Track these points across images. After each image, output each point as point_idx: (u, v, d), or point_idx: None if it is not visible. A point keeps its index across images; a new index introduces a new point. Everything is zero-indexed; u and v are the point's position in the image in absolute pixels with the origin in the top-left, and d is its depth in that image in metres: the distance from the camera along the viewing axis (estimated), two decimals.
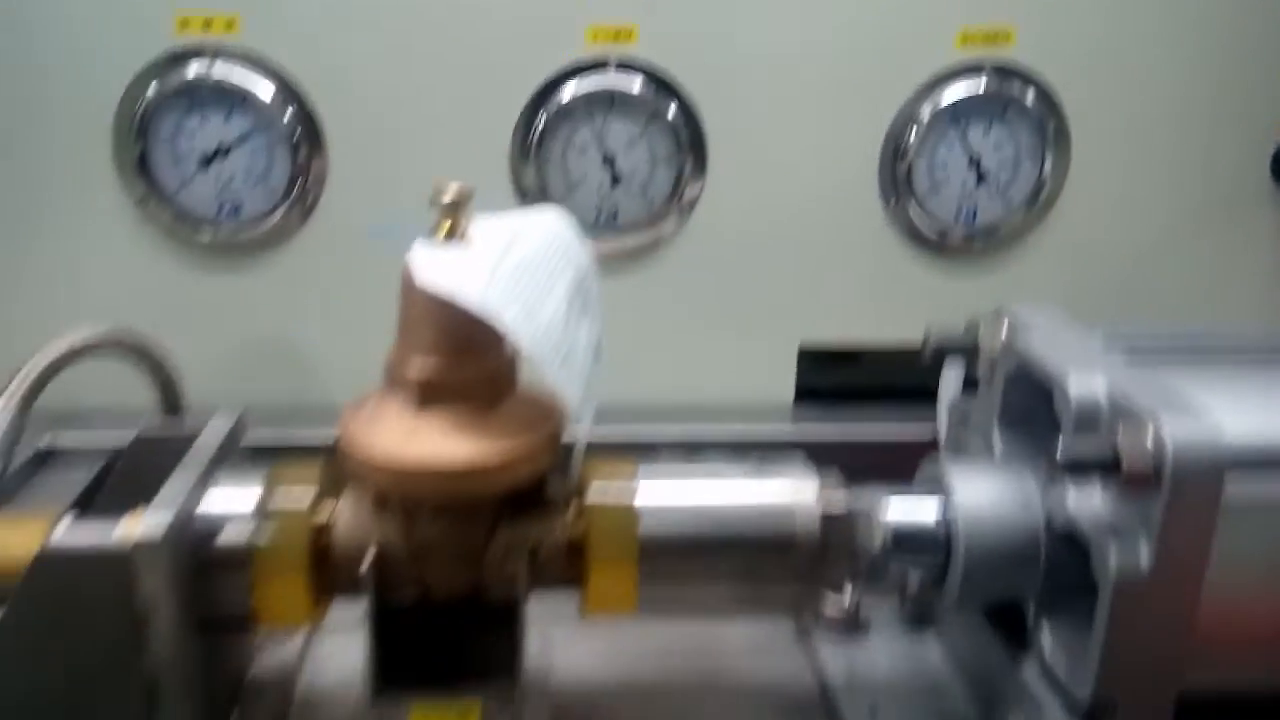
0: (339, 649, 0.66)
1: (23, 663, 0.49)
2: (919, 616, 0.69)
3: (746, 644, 0.68)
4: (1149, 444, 0.48)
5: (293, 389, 1.03)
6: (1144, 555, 0.49)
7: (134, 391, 0.85)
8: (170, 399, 0.78)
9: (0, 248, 0.98)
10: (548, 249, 0.55)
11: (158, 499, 0.50)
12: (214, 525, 0.52)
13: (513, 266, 0.52)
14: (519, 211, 0.58)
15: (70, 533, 0.50)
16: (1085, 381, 0.53)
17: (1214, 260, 1.06)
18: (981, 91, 0.99)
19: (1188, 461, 0.48)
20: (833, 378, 1.07)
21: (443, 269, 0.51)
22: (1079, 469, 0.49)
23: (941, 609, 0.67)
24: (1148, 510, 0.49)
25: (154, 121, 0.96)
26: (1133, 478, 0.48)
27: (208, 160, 0.98)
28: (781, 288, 1.04)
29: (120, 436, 0.94)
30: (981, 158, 1.01)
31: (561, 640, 0.66)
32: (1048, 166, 1.01)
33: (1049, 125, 1.00)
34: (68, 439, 0.93)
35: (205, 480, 0.54)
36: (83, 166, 0.97)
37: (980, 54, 0.98)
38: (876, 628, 0.68)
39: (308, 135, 0.98)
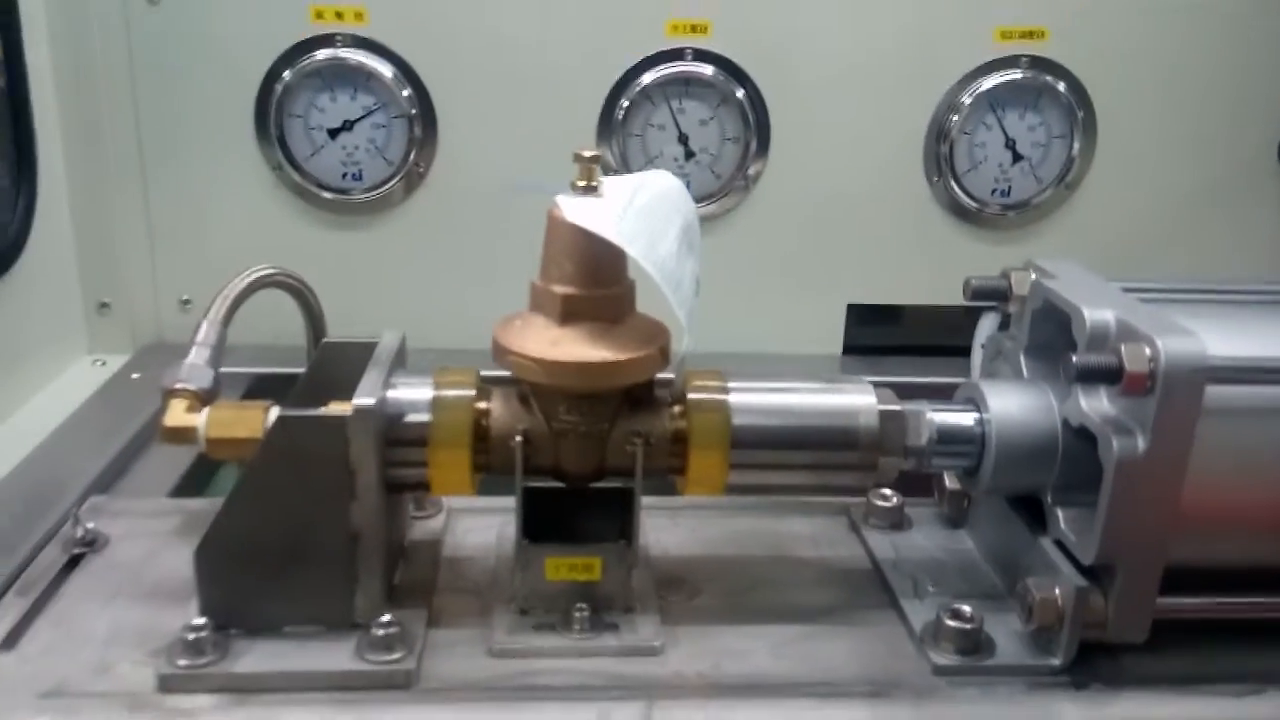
0: (472, 526, 0.80)
1: (259, 504, 0.64)
2: (954, 519, 0.82)
3: (807, 533, 0.81)
4: (1147, 354, 0.61)
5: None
6: (1140, 444, 0.62)
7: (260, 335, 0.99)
8: (318, 328, 0.93)
9: (158, 205, 1.14)
10: (663, 199, 0.68)
11: (363, 385, 0.64)
12: (400, 410, 0.66)
13: (638, 209, 0.65)
14: (636, 174, 0.72)
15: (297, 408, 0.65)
16: (1098, 310, 0.65)
17: (1224, 235, 1.18)
18: (1017, 80, 1.11)
19: (1177, 369, 0.60)
20: (877, 335, 1.20)
21: (585, 210, 0.64)
22: (1090, 375, 0.62)
23: (975, 508, 0.80)
24: (1144, 409, 0.61)
25: (290, 99, 1.11)
26: (1132, 380, 0.60)
27: (334, 133, 1.13)
28: (834, 254, 1.18)
29: (250, 370, 1.11)
30: (1016, 140, 1.13)
31: (654, 529, 0.80)
32: (1076, 149, 1.13)
33: (1079, 113, 1.13)
34: None
35: (389, 376, 0.68)
36: (228, 137, 1.12)
37: (1017, 49, 1.11)
38: (917, 525, 0.81)
39: (422, 114, 1.12)
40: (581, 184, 0.65)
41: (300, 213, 1.14)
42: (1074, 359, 0.62)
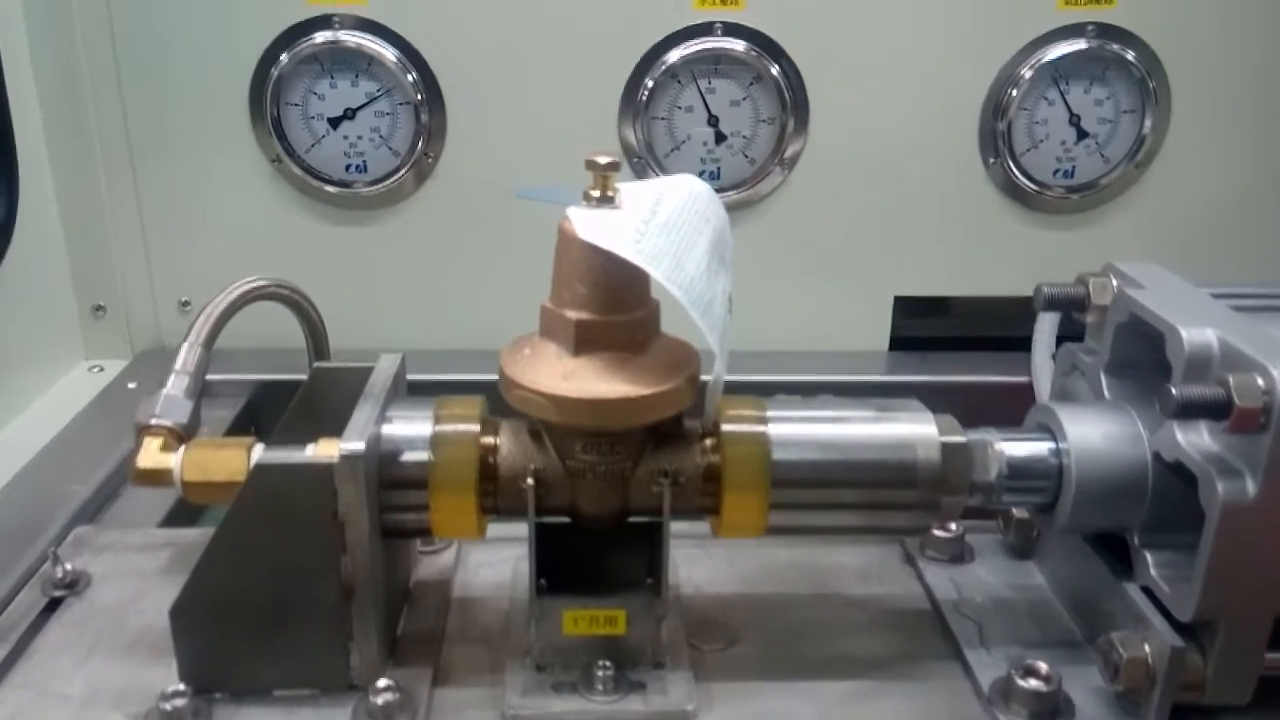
0: (485, 560, 0.73)
1: (239, 559, 0.57)
2: (1021, 549, 0.73)
3: (855, 566, 0.73)
4: (1260, 385, 0.52)
5: (407, 334, 1.10)
6: (1250, 486, 0.53)
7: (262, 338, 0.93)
8: (318, 339, 0.85)
9: (150, 204, 1.07)
10: (689, 208, 0.59)
11: (352, 424, 0.57)
12: (396, 448, 0.59)
13: (661, 223, 0.57)
14: (658, 181, 0.63)
15: (279, 450, 0.57)
16: (1198, 331, 0.56)
17: None
18: (1083, 50, 1.00)
19: None
20: (927, 328, 1.11)
21: (600, 226, 0.56)
22: (1193, 410, 0.53)
23: (1046, 538, 0.71)
24: (1255, 447, 0.53)
25: (287, 86, 1.03)
26: (1243, 417, 0.52)
27: (336, 122, 1.05)
28: (879, 244, 1.08)
29: (252, 378, 1.04)
30: (1081, 116, 1.03)
31: (684, 562, 0.73)
32: (1148, 125, 1.02)
33: (1150, 84, 1.02)
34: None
35: (385, 409, 0.60)
36: (222, 128, 1.05)
37: (1083, 15, 1.00)
38: (980, 557, 0.73)
39: (429, 100, 1.04)
40: (596, 194, 0.57)
41: (303, 207, 1.07)
42: (1173, 392, 0.53)
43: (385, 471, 0.59)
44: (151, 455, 0.62)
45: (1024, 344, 1.01)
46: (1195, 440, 0.56)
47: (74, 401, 1.01)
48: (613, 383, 0.57)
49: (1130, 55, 1.00)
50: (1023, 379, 1.00)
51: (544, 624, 0.61)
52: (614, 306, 0.58)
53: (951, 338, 1.12)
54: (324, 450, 0.57)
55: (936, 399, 1.03)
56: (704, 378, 0.60)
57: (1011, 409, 1.00)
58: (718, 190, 1.06)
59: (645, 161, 1.05)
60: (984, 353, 1.09)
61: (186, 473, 0.61)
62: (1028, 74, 1.00)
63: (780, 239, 1.07)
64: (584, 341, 0.58)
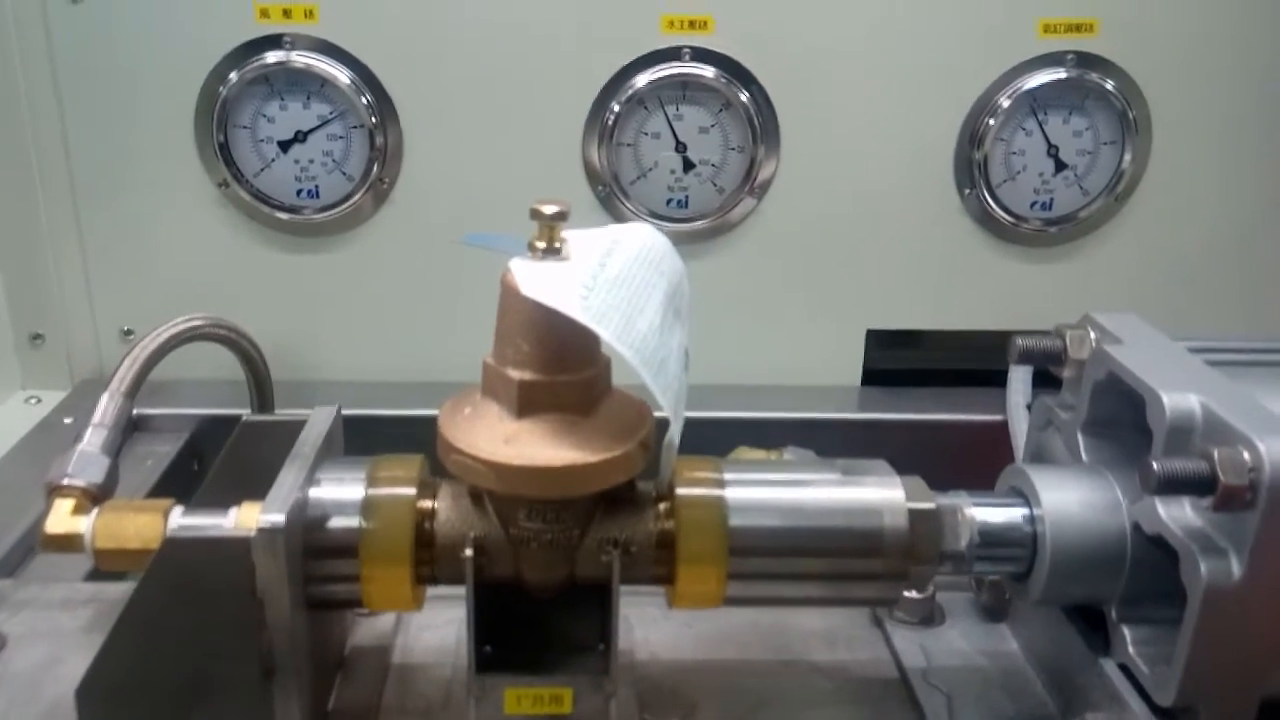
0: (429, 621, 0.68)
1: (149, 637, 0.52)
2: (994, 610, 0.70)
3: (821, 629, 0.69)
4: (1246, 460, 0.48)
5: (361, 366, 1.06)
6: (1235, 567, 0.49)
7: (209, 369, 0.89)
8: (261, 384, 0.81)
9: (91, 228, 1.02)
10: (642, 261, 0.55)
11: (274, 491, 0.53)
12: (324, 513, 0.55)
13: (611, 278, 0.53)
14: (610, 230, 0.59)
15: (193, 520, 0.53)
16: (1180, 397, 0.53)
17: None
18: (1062, 79, 0.97)
19: None
20: (900, 362, 1.08)
21: (545, 281, 0.52)
22: (1175, 486, 0.50)
23: (1019, 604, 0.68)
24: (1241, 525, 0.49)
25: (235, 107, 0.99)
26: (1229, 494, 0.48)
27: (286, 145, 1.00)
28: (851, 276, 1.05)
29: (196, 412, 1.00)
30: (1060, 147, 1.00)
31: (640, 624, 0.69)
32: (1128, 157, 0.99)
33: (1131, 115, 0.99)
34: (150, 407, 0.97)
35: (313, 471, 0.56)
36: (167, 150, 1.00)
37: (1062, 44, 0.97)
38: (951, 618, 0.69)
39: (384, 122, 1.00)
40: (542, 246, 0.53)
41: (251, 234, 1.02)
42: (1154, 466, 0.49)
43: (312, 539, 0.54)
44: (61, 519, 0.58)
45: (999, 378, 0.98)
46: (1177, 514, 0.53)
47: (6, 437, 0.96)
48: (559, 449, 0.53)
49: (1110, 85, 0.97)
50: (998, 417, 0.97)
51: (484, 702, 0.57)
52: (560, 366, 0.54)
53: (925, 371, 1.09)
54: (244, 519, 0.53)
55: (910, 437, 1.01)
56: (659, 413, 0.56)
57: (986, 448, 0.97)
58: (685, 219, 1.03)
59: (611, 190, 1.01)
60: (958, 388, 1.06)
61: (98, 539, 0.56)
62: (1005, 103, 0.97)
63: (749, 270, 1.04)
64: (528, 403, 0.54)
